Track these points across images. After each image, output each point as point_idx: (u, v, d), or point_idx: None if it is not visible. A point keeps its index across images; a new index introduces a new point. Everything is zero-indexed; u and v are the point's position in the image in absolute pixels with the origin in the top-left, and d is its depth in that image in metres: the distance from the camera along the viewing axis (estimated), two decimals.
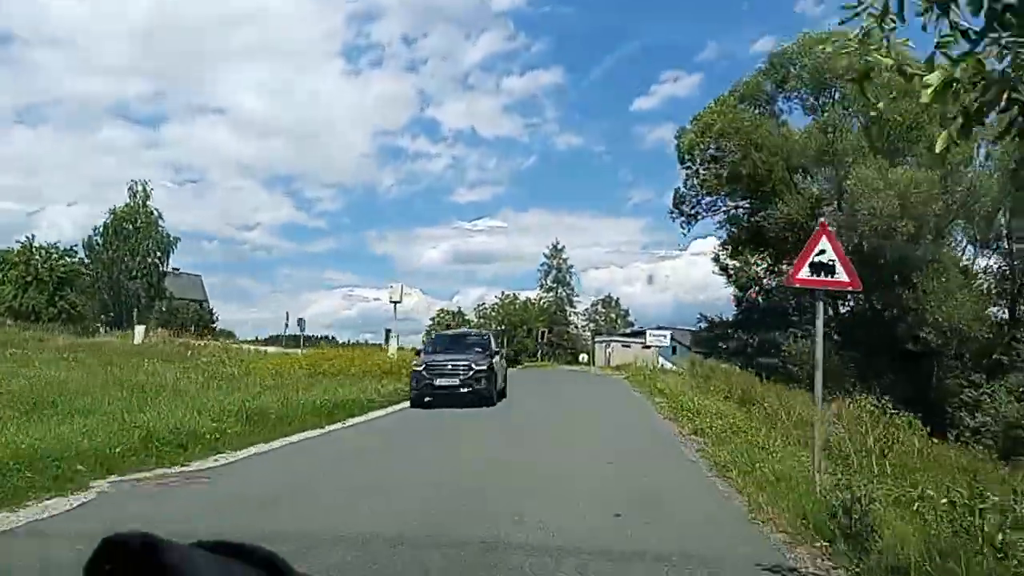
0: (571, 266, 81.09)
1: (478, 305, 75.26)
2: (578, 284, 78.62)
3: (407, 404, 16.11)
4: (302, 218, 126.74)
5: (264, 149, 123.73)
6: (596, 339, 60.42)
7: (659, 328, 56.03)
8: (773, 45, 37.29)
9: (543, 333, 58.49)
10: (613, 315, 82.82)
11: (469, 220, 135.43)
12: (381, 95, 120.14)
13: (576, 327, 79.61)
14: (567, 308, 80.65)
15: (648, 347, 43.97)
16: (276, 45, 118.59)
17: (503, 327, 70.18)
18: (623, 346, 48.89)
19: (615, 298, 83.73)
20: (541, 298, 78.76)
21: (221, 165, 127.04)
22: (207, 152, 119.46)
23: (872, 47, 2.46)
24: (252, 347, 32.83)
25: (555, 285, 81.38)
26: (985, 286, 29.75)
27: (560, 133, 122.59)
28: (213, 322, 52.57)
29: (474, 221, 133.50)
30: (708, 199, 36.20)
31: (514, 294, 76.24)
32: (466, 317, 67.76)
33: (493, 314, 72.15)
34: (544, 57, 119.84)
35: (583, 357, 49.82)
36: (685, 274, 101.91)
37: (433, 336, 30.08)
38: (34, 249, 40.64)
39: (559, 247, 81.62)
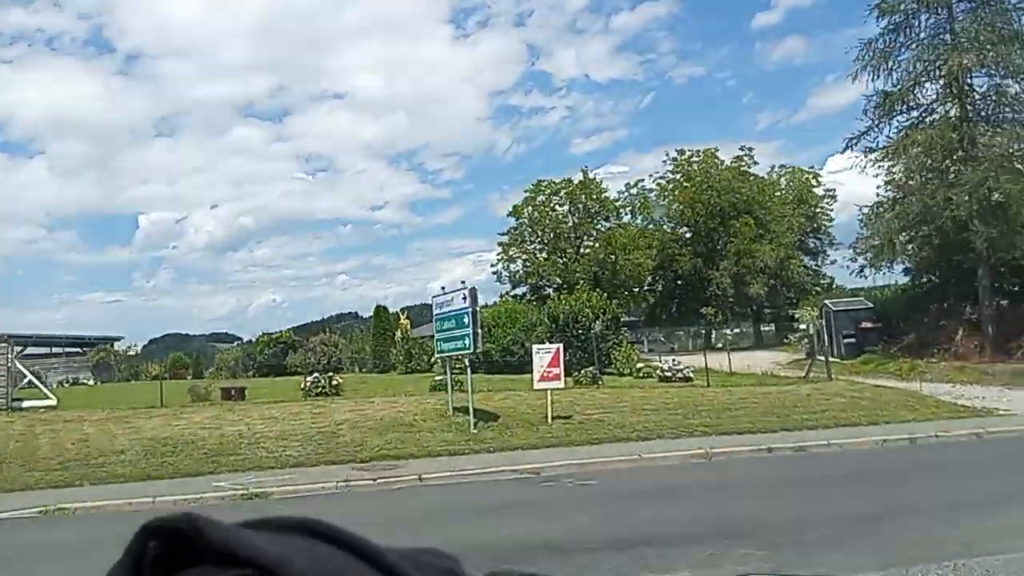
0: None
1: (629, 185, 48.91)
2: None
3: None
4: (427, 191, 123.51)
5: (384, 127, 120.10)
6: None
7: None
8: None
9: None
10: None
11: (591, 169, 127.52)
12: (491, 55, 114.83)
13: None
14: None
15: None
16: (384, 20, 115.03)
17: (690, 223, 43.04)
18: None
19: None
20: None
21: (346, 149, 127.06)
22: (332, 138, 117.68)
23: None
24: None
25: None
26: None
27: (677, 65, 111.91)
28: None
29: (595, 170, 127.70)
30: None
31: (702, 151, 46.83)
32: (605, 194, 45.20)
33: (665, 197, 46.62)
34: None
35: None
36: None
37: None
38: None
39: None
